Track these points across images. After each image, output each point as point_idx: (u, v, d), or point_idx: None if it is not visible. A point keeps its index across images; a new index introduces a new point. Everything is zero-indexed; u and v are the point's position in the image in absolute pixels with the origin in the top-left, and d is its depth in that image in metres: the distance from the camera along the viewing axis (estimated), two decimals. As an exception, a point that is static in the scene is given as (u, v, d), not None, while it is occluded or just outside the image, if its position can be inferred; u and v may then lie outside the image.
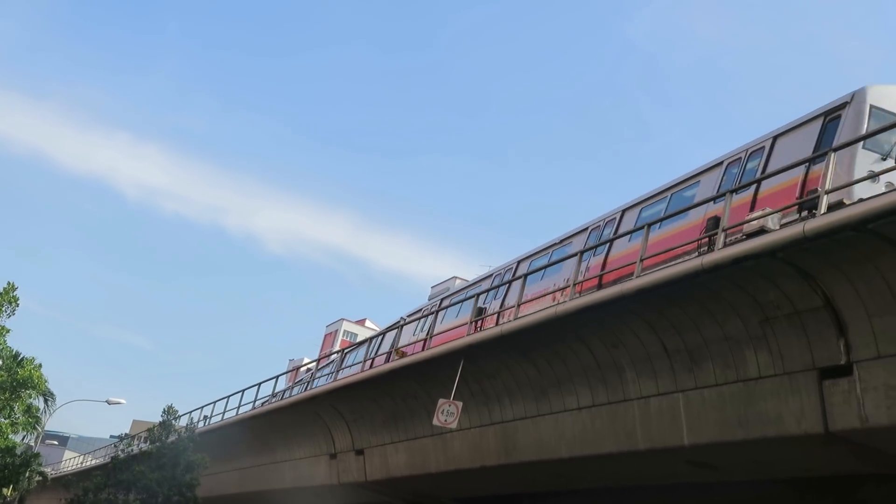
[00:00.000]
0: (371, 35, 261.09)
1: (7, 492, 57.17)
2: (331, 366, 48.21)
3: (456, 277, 56.51)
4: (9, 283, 49.44)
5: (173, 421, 46.11)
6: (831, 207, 16.13)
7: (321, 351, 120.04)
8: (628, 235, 26.24)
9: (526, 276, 27.28)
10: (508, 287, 32.32)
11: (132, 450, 46.61)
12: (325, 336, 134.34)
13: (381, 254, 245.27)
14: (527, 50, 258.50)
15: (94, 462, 77.39)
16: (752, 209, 21.48)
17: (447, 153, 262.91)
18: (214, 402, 53.51)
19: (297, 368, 71.42)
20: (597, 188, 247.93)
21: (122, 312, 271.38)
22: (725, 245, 18.39)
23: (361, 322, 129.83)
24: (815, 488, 22.92)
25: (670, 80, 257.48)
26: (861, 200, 15.83)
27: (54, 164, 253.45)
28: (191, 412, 53.07)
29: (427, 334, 34.27)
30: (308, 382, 50.06)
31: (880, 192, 17.16)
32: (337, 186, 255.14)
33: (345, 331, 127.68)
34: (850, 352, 16.42)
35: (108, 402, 68.14)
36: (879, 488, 21.35)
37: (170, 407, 46.44)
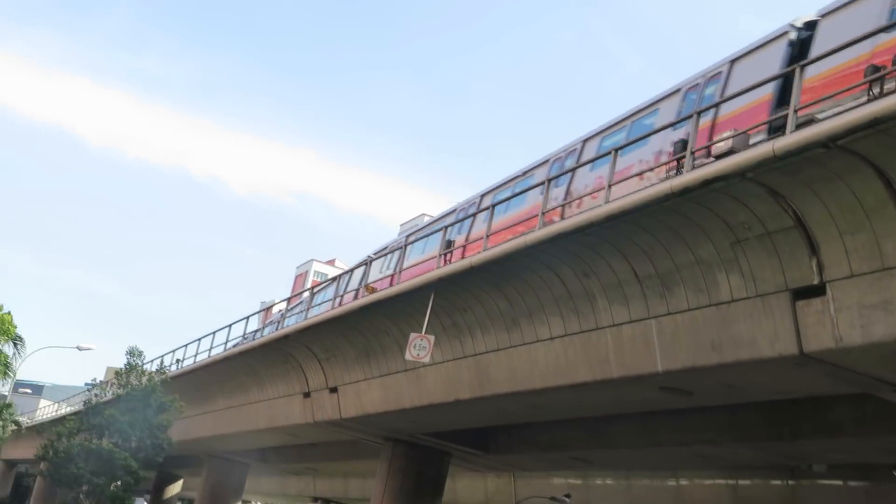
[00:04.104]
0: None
1: (-20, 440, 57.00)
2: (302, 305, 47.92)
3: (424, 214, 56.61)
4: (-29, 231, 48.83)
5: (140, 363, 45.88)
6: (801, 126, 15.84)
7: (292, 292, 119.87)
8: (590, 164, 26.05)
9: (493, 206, 26.91)
10: (473, 220, 32.05)
11: (105, 395, 46.46)
12: (296, 277, 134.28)
13: (347, 193, 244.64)
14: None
15: (68, 410, 77.20)
16: (710, 135, 21.40)
17: (408, 86, 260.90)
18: (186, 346, 53.34)
19: (269, 308, 71.20)
20: (564, 123, 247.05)
21: (90, 258, 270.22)
22: (693, 168, 18.15)
23: (331, 262, 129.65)
24: (788, 411, 22.97)
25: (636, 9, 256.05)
26: (830, 117, 15.55)
27: (12, 112, 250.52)
28: (162, 356, 52.94)
29: (395, 270, 34.04)
30: (279, 322, 49.91)
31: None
32: (300, 124, 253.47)
33: (315, 271, 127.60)
34: (823, 271, 16.24)
35: (79, 349, 67.96)
36: (853, 409, 21.42)
37: (134, 348, 46.22)
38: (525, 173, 32.03)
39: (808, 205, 16.01)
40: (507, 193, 31.00)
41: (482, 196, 34.51)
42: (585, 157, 27.77)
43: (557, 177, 27.16)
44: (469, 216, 32.49)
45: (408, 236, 41.01)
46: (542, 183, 25.05)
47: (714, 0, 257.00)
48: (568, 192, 27.19)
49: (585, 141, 28.83)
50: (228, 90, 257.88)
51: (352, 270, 42.14)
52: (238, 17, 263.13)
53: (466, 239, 31.73)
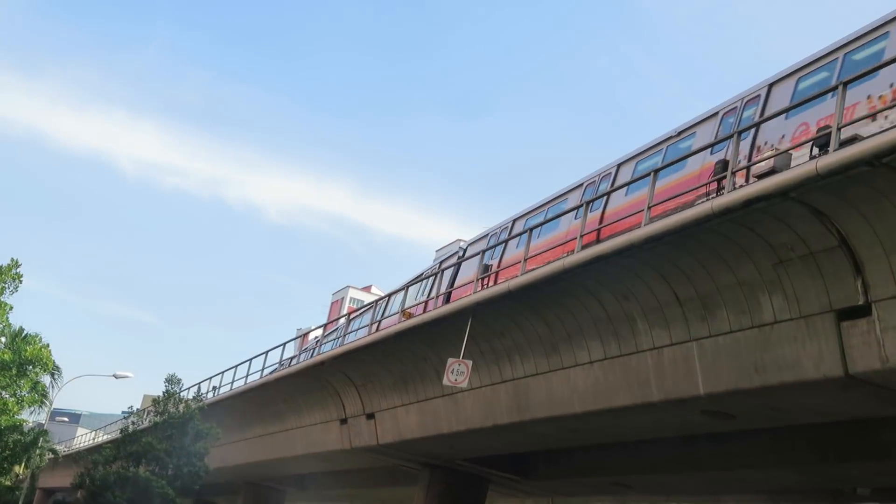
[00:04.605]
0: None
1: (19, 469, 57.12)
2: (338, 331, 47.91)
3: (460, 240, 56.32)
4: (12, 260, 49.16)
5: (178, 391, 45.97)
6: (844, 143, 15.65)
7: (328, 319, 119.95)
8: (625, 188, 25.82)
9: (531, 230, 26.73)
10: (505, 246, 31.82)
11: (142, 423, 46.54)
12: (332, 304, 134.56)
13: (382, 220, 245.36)
14: (523, 16, 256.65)
15: (105, 437, 77.40)
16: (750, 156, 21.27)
17: (443, 116, 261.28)
18: (222, 373, 53.39)
19: (305, 335, 71.23)
20: (596, 148, 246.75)
21: (127, 289, 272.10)
22: (735, 188, 17.95)
23: (367, 289, 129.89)
24: (833, 434, 22.63)
25: (667, 34, 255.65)
26: (875, 134, 15.34)
27: (52, 143, 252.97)
28: (199, 383, 52.99)
29: (431, 296, 34.04)
30: (315, 349, 49.90)
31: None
32: (335, 154, 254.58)
33: (351, 297, 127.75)
34: (868, 291, 16.02)
35: (115, 377, 67.89)
36: (900, 430, 21.07)
37: (172, 376, 46.32)
38: (557, 197, 31.78)
39: (852, 224, 15.79)
40: (539, 218, 30.87)
41: (514, 221, 34.28)
42: (620, 181, 27.48)
43: (592, 200, 26.80)
44: (500, 242, 32.32)
45: (441, 263, 40.81)
46: (579, 206, 24.93)
47: (746, 25, 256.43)
48: (602, 217, 26.87)
49: (620, 165, 28.59)
50: (264, 120, 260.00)
51: (389, 296, 42.08)
52: (273, 50, 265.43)
53: (499, 265, 31.53)
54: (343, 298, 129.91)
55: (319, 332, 58.27)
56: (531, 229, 26.84)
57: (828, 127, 16.98)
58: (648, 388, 21.56)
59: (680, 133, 26.37)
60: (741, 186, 17.71)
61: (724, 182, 18.87)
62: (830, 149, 15.51)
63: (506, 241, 31.63)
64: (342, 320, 50.51)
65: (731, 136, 20.02)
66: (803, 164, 16.20)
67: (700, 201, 20.68)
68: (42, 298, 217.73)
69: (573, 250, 22.42)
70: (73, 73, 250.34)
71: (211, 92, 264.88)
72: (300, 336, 71.61)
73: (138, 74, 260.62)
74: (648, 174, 21.84)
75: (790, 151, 18.34)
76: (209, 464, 44.40)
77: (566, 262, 21.77)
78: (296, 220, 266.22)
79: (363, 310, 48.45)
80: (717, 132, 24.25)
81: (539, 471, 35.03)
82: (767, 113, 22.11)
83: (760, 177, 17.20)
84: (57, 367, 53.75)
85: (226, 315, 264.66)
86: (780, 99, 22.26)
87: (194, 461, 42.74)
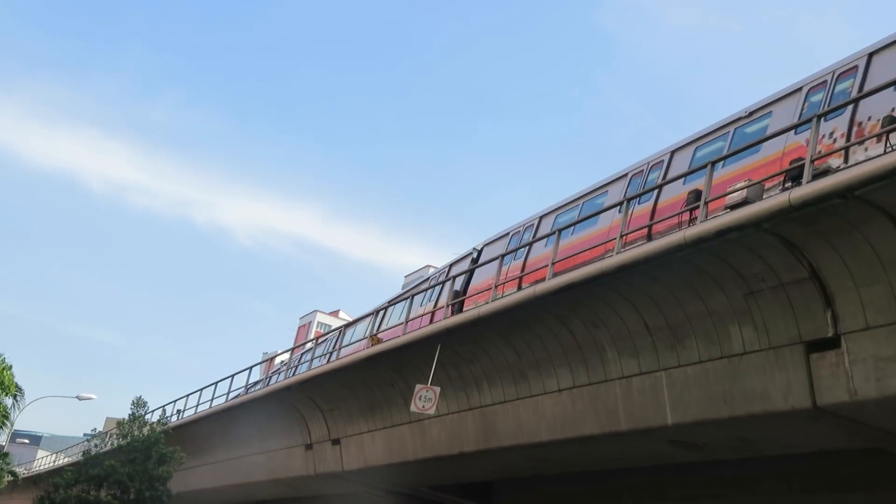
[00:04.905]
0: (333, 23, 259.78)
1: (-24, 492, 56.32)
2: (305, 356, 47.66)
3: (429, 266, 56.03)
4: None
5: (144, 414, 45.55)
6: (817, 175, 15.75)
7: (295, 343, 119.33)
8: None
9: (502, 256, 26.64)
10: (529, 249, 29.63)
11: (104, 445, 46.04)
12: (299, 328, 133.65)
13: (351, 244, 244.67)
14: (496, 39, 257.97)
15: (66, 460, 76.53)
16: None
17: (414, 142, 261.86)
18: (187, 396, 52.95)
19: (271, 359, 70.79)
20: (569, 177, 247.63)
21: (92, 310, 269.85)
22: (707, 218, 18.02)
23: (335, 313, 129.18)
24: (799, 465, 22.68)
25: (640, 66, 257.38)
26: (848, 166, 15.48)
27: (20, 160, 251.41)
28: (163, 406, 52.57)
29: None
30: (282, 372, 49.59)
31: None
32: (305, 176, 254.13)
33: (318, 322, 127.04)
34: (838, 323, 16.11)
35: (79, 398, 67.36)
36: (865, 464, 21.12)
37: (139, 398, 45.89)
38: (595, 190, 29.28)
39: (823, 256, 15.89)
40: (574, 213, 28.85)
41: (540, 218, 31.55)
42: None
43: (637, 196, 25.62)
44: (522, 245, 29.93)
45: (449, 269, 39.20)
46: (552, 234, 24.92)
47: (721, 58, 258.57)
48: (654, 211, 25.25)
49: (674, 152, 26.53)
50: (235, 141, 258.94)
51: (356, 321, 41.90)
52: (244, 70, 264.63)
53: (523, 269, 29.42)
54: (311, 323, 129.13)
55: (286, 356, 57.97)
56: (502, 256, 26.84)
57: (800, 159, 17.07)
58: (616, 418, 21.54)
59: (597, 189, 28.08)
60: (713, 217, 17.77)
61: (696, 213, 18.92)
62: (804, 180, 15.62)
63: (472, 270, 31.56)
64: (309, 344, 50.19)
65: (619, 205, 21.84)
66: (776, 195, 16.32)
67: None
68: (3, 318, 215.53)
69: (545, 277, 22.41)
70: (44, 89, 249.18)
71: (182, 112, 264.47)
72: (267, 360, 71.15)
73: (110, 93, 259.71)
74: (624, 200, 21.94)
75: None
76: (172, 488, 43.99)
77: (537, 290, 21.78)
78: (264, 244, 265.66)
79: (331, 333, 48.26)
80: (626, 191, 25.58)
81: (503, 499, 34.86)
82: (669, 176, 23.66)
83: (733, 207, 17.28)
84: (19, 388, 53.17)
85: (192, 338, 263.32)
86: (680, 164, 24.02)
87: (157, 485, 42.26)
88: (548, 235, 27.00)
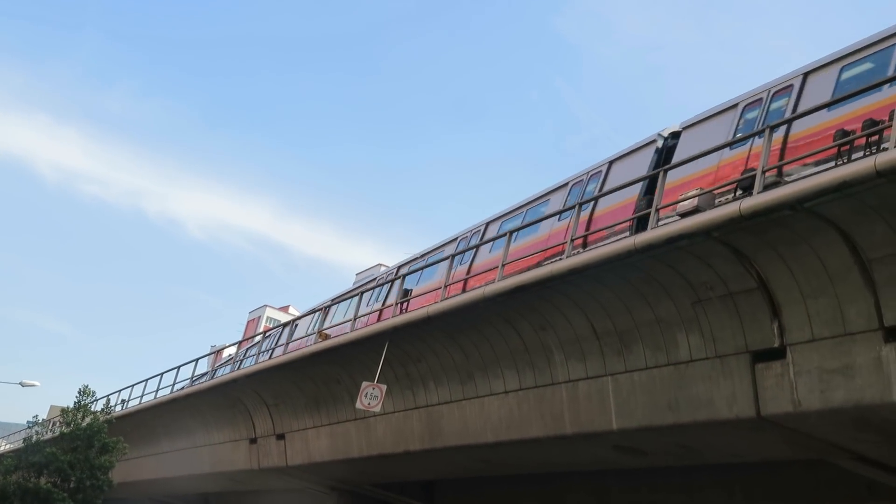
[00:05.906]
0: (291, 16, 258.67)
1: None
2: (253, 349, 47.37)
3: (381, 264, 55.86)
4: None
5: (89, 403, 45.04)
6: (767, 187, 15.79)
7: (244, 337, 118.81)
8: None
9: (453, 256, 26.62)
10: (421, 274, 31.55)
11: (47, 433, 45.54)
12: (248, 322, 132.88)
13: (303, 241, 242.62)
14: (451, 39, 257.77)
15: (8, 447, 75.72)
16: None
17: (369, 141, 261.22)
18: (132, 386, 52.43)
19: (219, 352, 70.36)
20: (523, 183, 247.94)
21: (39, 297, 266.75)
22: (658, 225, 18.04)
23: (285, 309, 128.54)
24: (741, 474, 22.80)
25: (597, 73, 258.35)
26: (798, 179, 15.52)
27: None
28: (108, 395, 52.03)
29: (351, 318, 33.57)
30: (227, 364, 49.28)
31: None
32: (259, 171, 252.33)
33: (268, 317, 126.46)
34: (784, 334, 16.16)
35: (22, 385, 66.38)
36: (807, 474, 21.25)
37: (85, 387, 45.35)
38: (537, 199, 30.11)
39: (771, 267, 15.92)
40: (517, 221, 29.34)
41: (487, 224, 32.43)
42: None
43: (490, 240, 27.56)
44: (469, 248, 30.76)
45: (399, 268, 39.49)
46: (503, 236, 24.89)
47: (676, 67, 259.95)
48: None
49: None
50: (190, 133, 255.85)
51: (303, 316, 41.68)
52: (205, 66, 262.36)
53: (468, 272, 29.85)
54: (260, 317, 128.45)
55: (234, 349, 57.60)
56: (452, 256, 26.81)
57: (752, 170, 17.13)
58: (562, 421, 21.52)
59: (540, 197, 28.74)
60: (664, 224, 17.80)
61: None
62: (755, 191, 15.64)
63: (421, 269, 31.54)
64: (257, 338, 49.91)
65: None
66: (727, 204, 16.34)
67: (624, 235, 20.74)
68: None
69: (494, 279, 22.36)
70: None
71: (137, 102, 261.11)
72: (214, 352, 70.68)
73: (64, 80, 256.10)
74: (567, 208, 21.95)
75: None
76: (114, 478, 43.55)
77: (486, 291, 21.71)
78: (216, 237, 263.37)
79: (279, 328, 48.00)
80: (566, 201, 26.41)
81: (447, 498, 34.83)
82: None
83: (684, 215, 17.29)
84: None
85: (140, 328, 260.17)
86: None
87: (98, 475, 41.82)
88: (494, 239, 27.95)
